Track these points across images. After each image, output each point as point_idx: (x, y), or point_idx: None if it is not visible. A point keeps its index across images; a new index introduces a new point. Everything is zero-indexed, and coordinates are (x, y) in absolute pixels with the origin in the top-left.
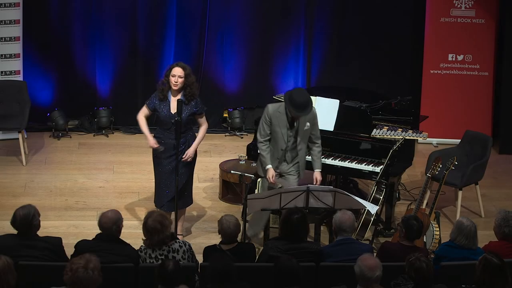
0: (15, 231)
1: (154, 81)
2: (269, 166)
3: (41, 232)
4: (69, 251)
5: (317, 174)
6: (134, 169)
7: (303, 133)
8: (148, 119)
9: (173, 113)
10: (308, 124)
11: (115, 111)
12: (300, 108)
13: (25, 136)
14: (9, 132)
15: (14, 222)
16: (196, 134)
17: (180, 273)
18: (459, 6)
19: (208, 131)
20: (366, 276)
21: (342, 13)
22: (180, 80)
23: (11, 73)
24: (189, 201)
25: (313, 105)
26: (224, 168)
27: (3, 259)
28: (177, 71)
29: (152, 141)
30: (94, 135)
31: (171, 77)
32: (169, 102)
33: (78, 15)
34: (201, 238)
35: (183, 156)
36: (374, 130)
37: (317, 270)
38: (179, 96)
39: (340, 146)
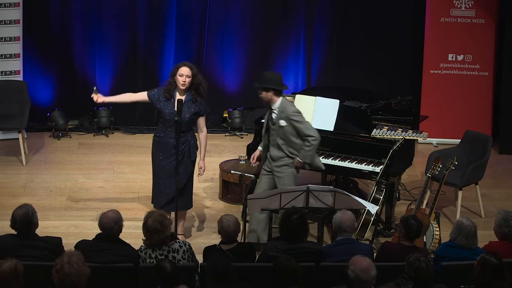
0: (15, 232)
1: (154, 81)
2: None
3: (41, 232)
4: None
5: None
6: (134, 169)
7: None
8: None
9: (176, 111)
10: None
11: (115, 111)
12: None
13: (25, 136)
14: (9, 132)
15: (14, 223)
16: (195, 134)
17: (179, 273)
18: (459, 6)
19: (208, 131)
20: (362, 279)
21: (342, 13)
22: (188, 79)
23: (11, 73)
24: (189, 203)
25: (313, 105)
26: (224, 168)
27: (12, 264)
28: (185, 70)
29: (95, 96)
30: (94, 135)
31: (178, 76)
32: (174, 101)
33: (78, 15)
34: (201, 238)
35: (199, 172)
36: (374, 130)
37: (317, 270)
38: (184, 96)
39: (340, 146)
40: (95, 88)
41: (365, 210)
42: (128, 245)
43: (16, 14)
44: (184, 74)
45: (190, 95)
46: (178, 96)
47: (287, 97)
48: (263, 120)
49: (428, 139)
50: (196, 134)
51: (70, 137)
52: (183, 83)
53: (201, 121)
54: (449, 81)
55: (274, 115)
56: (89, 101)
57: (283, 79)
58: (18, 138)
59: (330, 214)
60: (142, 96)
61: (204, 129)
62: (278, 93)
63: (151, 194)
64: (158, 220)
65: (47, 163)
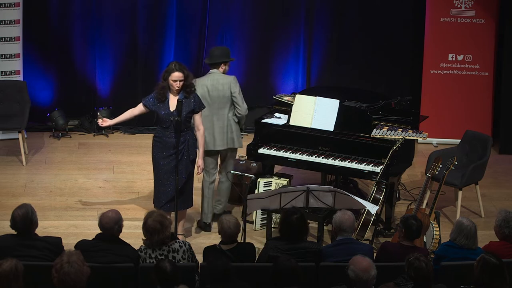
0: (15, 232)
1: (154, 81)
2: None
3: (41, 232)
4: None
5: None
6: (134, 169)
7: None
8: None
9: (171, 110)
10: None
11: (115, 111)
12: None
13: (25, 136)
14: (9, 132)
15: (15, 224)
16: (194, 133)
17: (179, 273)
18: (459, 6)
19: None
20: (362, 279)
21: (342, 13)
22: (181, 83)
23: (11, 73)
24: (189, 202)
25: (313, 105)
26: None
27: (12, 263)
28: (178, 76)
29: (100, 120)
30: (94, 135)
31: (172, 82)
32: (168, 101)
33: (78, 15)
34: (201, 238)
35: (198, 171)
36: (374, 130)
37: (317, 270)
38: (178, 96)
39: (340, 146)
40: (99, 113)
41: (365, 210)
42: (128, 245)
43: (16, 14)
44: (177, 79)
45: (183, 94)
46: (171, 97)
47: (286, 97)
48: (263, 120)
49: (428, 139)
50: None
51: (70, 137)
52: (177, 88)
53: (197, 118)
54: (449, 81)
55: None
56: (89, 101)
57: (284, 79)
58: (18, 138)
59: (330, 214)
60: (140, 108)
61: (201, 127)
62: (209, 65)
63: (151, 194)
64: (158, 220)
65: (47, 163)
